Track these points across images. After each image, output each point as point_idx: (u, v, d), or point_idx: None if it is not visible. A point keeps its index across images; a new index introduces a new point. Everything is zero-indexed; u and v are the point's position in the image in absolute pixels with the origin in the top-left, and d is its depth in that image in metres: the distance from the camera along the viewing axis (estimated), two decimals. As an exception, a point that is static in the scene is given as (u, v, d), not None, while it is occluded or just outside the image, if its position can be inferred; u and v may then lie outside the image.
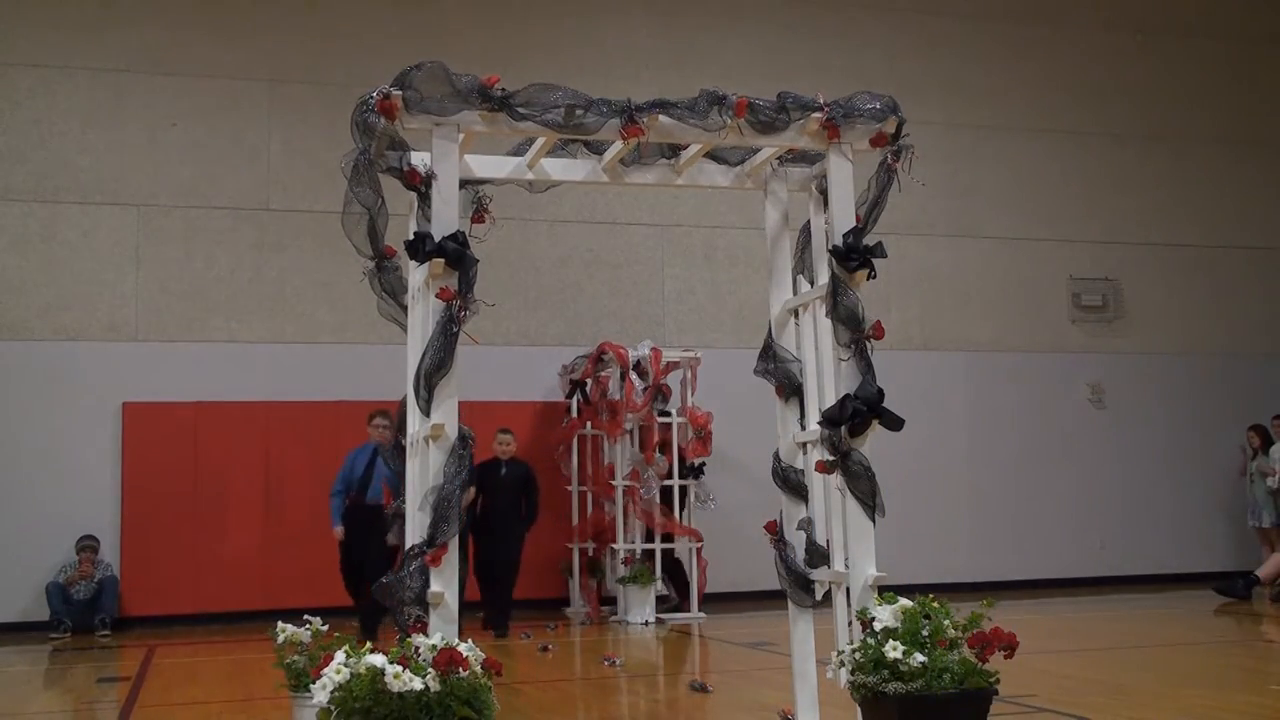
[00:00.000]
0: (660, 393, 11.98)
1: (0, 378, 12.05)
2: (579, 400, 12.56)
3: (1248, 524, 14.12)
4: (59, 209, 12.48)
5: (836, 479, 5.07)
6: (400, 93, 4.64)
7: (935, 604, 4.65)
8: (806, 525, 5.49)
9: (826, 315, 5.14)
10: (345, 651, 4.11)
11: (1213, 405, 15.25)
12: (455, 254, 4.63)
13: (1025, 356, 14.94)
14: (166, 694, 7.91)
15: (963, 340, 14.83)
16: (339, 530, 10.52)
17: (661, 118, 4.92)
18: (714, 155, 5.61)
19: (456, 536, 4.58)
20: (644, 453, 12.03)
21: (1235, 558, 14.79)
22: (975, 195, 15.07)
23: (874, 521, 4.96)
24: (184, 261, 12.72)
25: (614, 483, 11.92)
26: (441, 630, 4.39)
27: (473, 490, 10.23)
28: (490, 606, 11.01)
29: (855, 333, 5.00)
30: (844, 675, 4.68)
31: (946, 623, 4.58)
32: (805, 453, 5.53)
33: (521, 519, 11.21)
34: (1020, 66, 15.37)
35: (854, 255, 5.01)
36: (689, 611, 11.93)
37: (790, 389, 5.64)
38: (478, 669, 4.13)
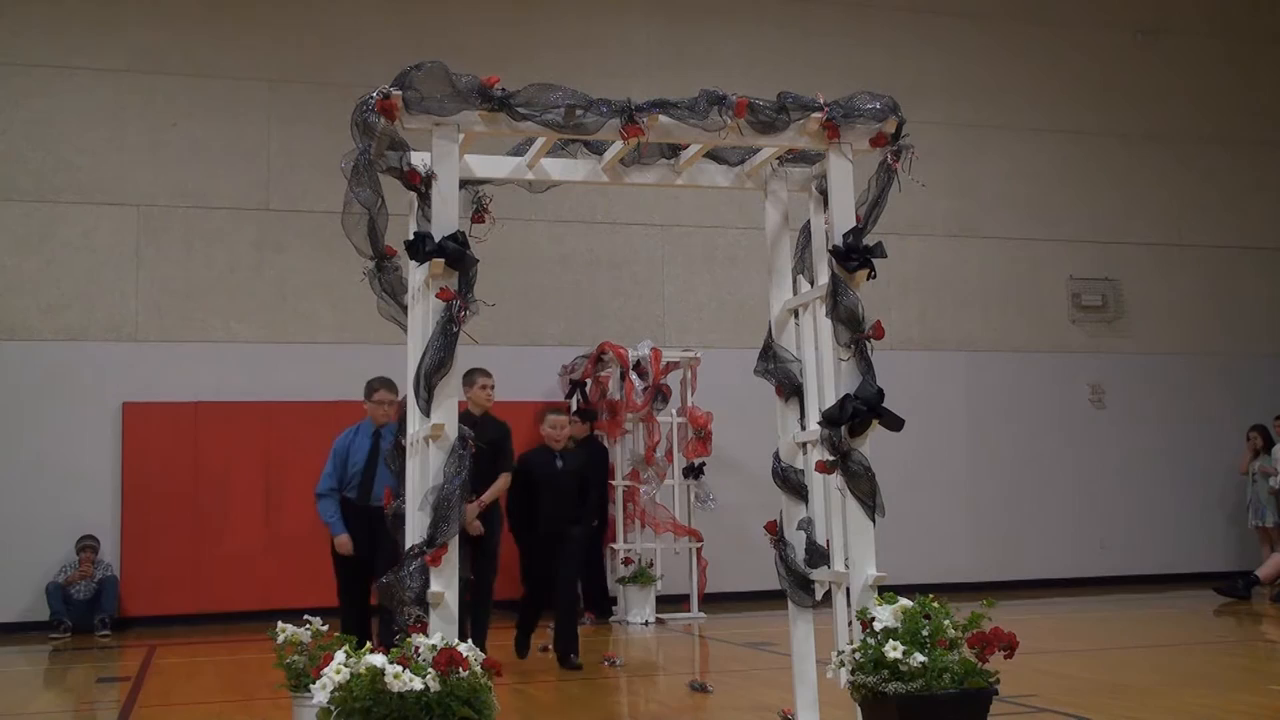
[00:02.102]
0: (660, 393, 11.98)
1: (0, 378, 12.05)
2: (579, 400, 12.56)
3: (1249, 524, 14.12)
4: (59, 209, 12.49)
5: (836, 479, 5.07)
6: (400, 93, 4.64)
7: (935, 604, 4.65)
8: (806, 525, 5.49)
9: (826, 315, 5.14)
10: (345, 651, 4.11)
11: (1213, 405, 15.26)
12: (455, 254, 4.63)
13: (1025, 356, 14.94)
14: (166, 694, 7.90)
15: (963, 340, 14.83)
16: (345, 539, 8.00)
17: (661, 118, 4.92)
18: (714, 155, 5.61)
19: (456, 536, 4.59)
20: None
21: (1235, 558, 14.79)
22: (975, 195, 15.07)
23: (874, 521, 4.96)
24: (184, 261, 12.72)
25: (614, 483, 11.93)
26: (441, 630, 4.40)
27: (505, 480, 8.39)
28: (556, 634, 8.88)
29: (855, 333, 5.00)
30: (844, 675, 4.68)
31: (946, 623, 4.58)
32: (805, 453, 5.53)
33: (580, 522, 8.97)
34: (1021, 66, 15.37)
35: (854, 255, 5.01)
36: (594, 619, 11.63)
37: (790, 389, 5.65)
38: (478, 669, 4.13)
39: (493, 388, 8.36)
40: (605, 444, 12.09)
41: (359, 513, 8.00)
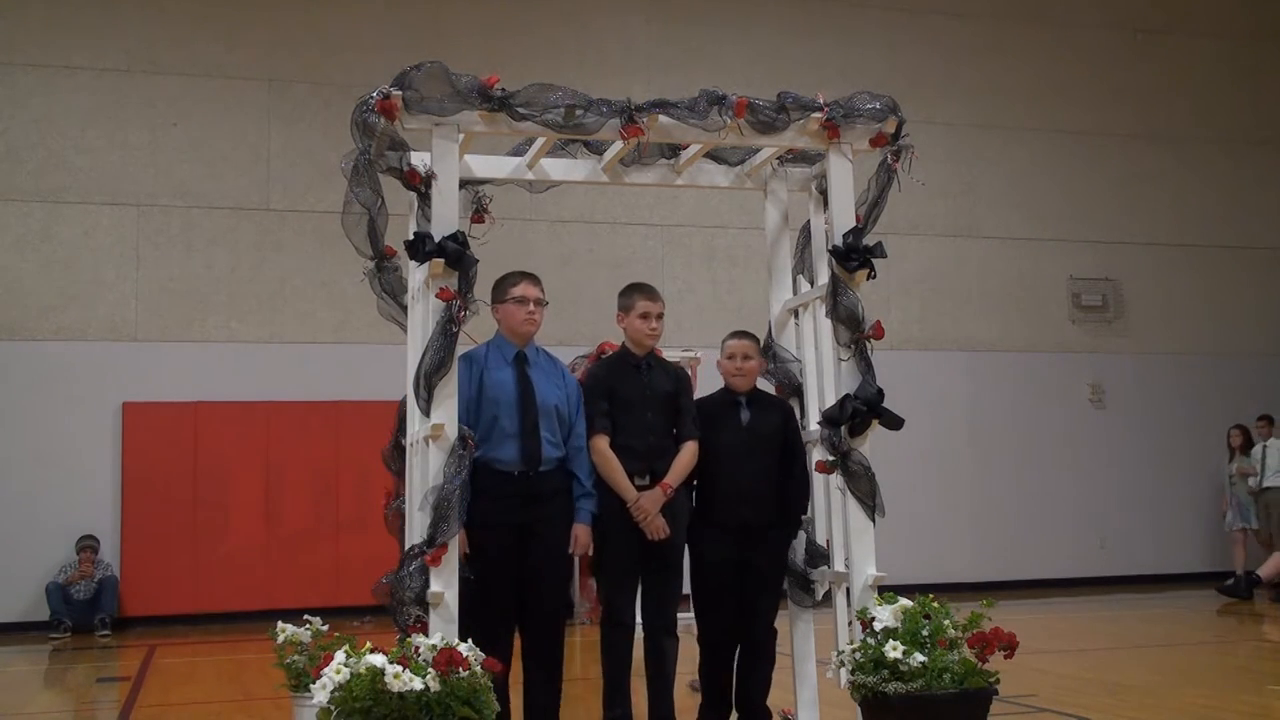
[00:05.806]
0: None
1: (0, 378, 12.05)
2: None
3: (1229, 526, 13.97)
4: (59, 209, 12.48)
5: (836, 479, 5.07)
6: (400, 93, 4.64)
7: (935, 604, 4.65)
8: (806, 525, 5.49)
9: (826, 315, 5.14)
10: (345, 651, 4.11)
11: (1212, 405, 15.23)
12: (455, 254, 4.64)
13: (1025, 356, 14.93)
14: (166, 694, 7.90)
15: (963, 340, 14.83)
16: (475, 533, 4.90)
17: (661, 118, 4.92)
18: (714, 155, 5.62)
19: (456, 536, 4.58)
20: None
21: (1234, 558, 14.76)
22: (975, 195, 15.07)
23: (874, 521, 4.97)
24: (184, 261, 12.71)
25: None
26: (441, 630, 4.40)
27: (693, 452, 5.38)
28: (732, 695, 5.64)
29: (855, 333, 5.01)
30: (844, 675, 4.69)
31: (946, 623, 4.58)
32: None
33: (788, 516, 5.48)
34: (1020, 66, 15.36)
35: (854, 255, 5.02)
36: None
37: (790, 389, 5.65)
38: (478, 669, 4.13)
39: (659, 317, 5.52)
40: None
41: (507, 490, 4.95)
